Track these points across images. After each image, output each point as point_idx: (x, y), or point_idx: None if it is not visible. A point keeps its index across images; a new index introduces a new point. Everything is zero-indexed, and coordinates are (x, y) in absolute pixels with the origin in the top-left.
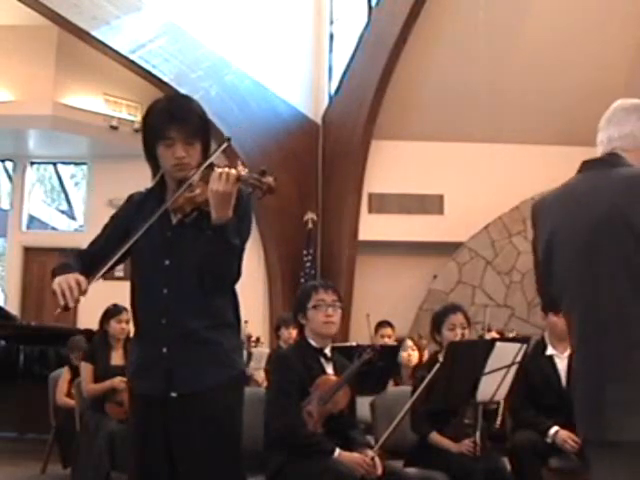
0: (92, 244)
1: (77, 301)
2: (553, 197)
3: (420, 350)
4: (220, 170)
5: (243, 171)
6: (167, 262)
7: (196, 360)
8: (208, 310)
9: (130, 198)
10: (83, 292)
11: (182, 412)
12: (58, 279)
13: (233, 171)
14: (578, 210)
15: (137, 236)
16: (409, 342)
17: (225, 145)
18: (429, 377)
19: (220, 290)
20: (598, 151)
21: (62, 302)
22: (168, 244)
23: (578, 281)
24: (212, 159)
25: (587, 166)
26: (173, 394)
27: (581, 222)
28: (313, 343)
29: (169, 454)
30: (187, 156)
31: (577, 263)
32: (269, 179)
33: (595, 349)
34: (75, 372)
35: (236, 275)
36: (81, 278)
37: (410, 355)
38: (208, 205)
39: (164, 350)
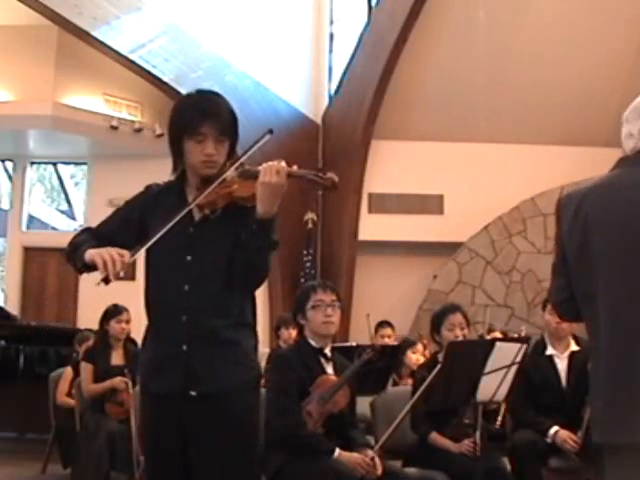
0: (104, 226)
1: (118, 275)
2: (586, 192)
3: (426, 356)
4: (270, 163)
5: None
6: (189, 258)
7: (216, 359)
8: (229, 309)
9: (148, 188)
10: (125, 266)
11: (201, 411)
12: (97, 250)
13: (283, 164)
14: (621, 207)
15: (172, 223)
16: (420, 346)
17: (267, 137)
18: (429, 378)
19: (247, 288)
20: (628, 144)
21: (104, 274)
22: (190, 240)
23: (621, 279)
24: (252, 152)
25: (624, 163)
26: (192, 393)
27: (626, 219)
28: (313, 343)
29: (184, 453)
30: (216, 153)
31: (621, 261)
32: (331, 174)
33: (629, 348)
34: (77, 371)
35: (267, 273)
36: (123, 251)
37: (418, 360)
38: (247, 201)
39: (184, 348)
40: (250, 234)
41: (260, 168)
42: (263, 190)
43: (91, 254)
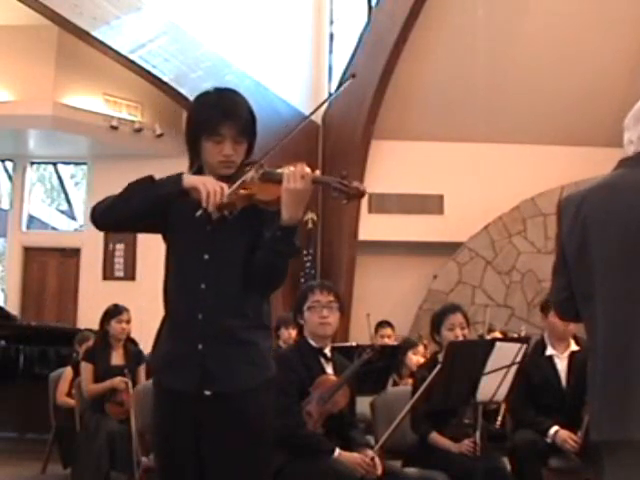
0: None
1: (216, 207)
2: (586, 194)
3: (427, 357)
4: (294, 168)
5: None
6: (206, 257)
7: (232, 359)
8: (245, 309)
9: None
10: (223, 198)
11: (215, 411)
12: (199, 177)
13: (308, 169)
14: (621, 209)
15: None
16: (421, 348)
17: (350, 81)
18: (429, 378)
19: (265, 291)
20: (629, 150)
21: (205, 204)
22: (208, 238)
23: (620, 280)
24: (334, 96)
25: (625, 163)
26: (207, 392)
27: (627, 221)
28: (312, 343)
29: (197, 452)
30: (234, 154)
31: (621, 263)
32: (357, 183)
33: (625, 347)
34: (77, 371)
35: (285, 277)
36: (224, 184)
37: (419, 361)
38: (269, 205)
39: (199, 347)
40: (274, 238)
41: (282, 172)
42: (288, 196)
43: (193, 181)
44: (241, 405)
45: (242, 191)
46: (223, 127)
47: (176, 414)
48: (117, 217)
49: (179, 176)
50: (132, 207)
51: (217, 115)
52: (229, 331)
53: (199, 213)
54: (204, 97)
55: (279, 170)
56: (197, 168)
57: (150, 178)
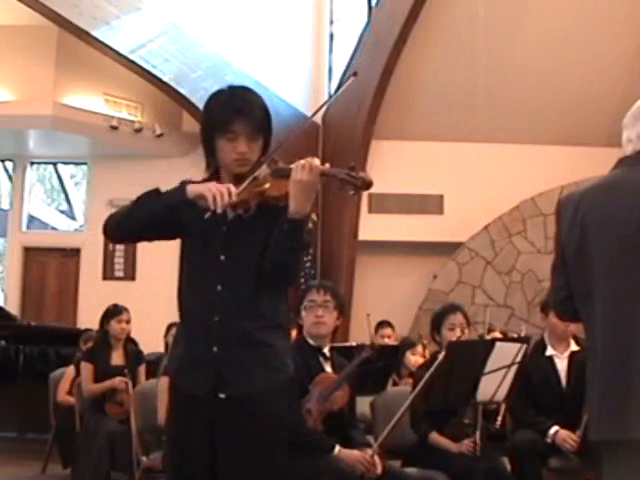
0: None
1: (226, 207)
2: (585, 193)
3: (425, 357)
4: (303, 161)
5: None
6: (222, 258)
7: (247, 362)
8: (261, 310)
9: (183, 184)
10: (232, 199)
11: (230, 415)
12: (204, 184)
13: (317, 162)
14: (619, 208)
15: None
16: (419, 348)
17: (351, 79)
18: (428, 374)
19: (277, 289)
20: (627, 149)
21: (212, 207)
22: (224, 239)
23: (617, 280)
24: (336, 95)
25: (624, 163)
26: (222, 395)
27: (624, 221)
28: (311, 342)
29: (211, 455)
30: (249, 151)
31: (618, 262)
32: (364, 174)
33: (624, 347)
34: (80, 370)
35: (296, 274)
36: (231, 186)
37: (417, 361)
38: (279, 200)
39: (214, 349)
40: (282, 234)
41: (292, 166)
42: (295, 188)
43: (196, 189)
44: (255, 408)
45: (255, 188)
46: (236, 124)
47: (191, 416)
48: (127, 229)
49: (183, 187)
50: (140, 218)
51: (229, 112)
52: (245, 333)
53: (207, 215)
54: (216, 96)
55: (291, 165)
56: (214, 169)
57: (156, 190)
